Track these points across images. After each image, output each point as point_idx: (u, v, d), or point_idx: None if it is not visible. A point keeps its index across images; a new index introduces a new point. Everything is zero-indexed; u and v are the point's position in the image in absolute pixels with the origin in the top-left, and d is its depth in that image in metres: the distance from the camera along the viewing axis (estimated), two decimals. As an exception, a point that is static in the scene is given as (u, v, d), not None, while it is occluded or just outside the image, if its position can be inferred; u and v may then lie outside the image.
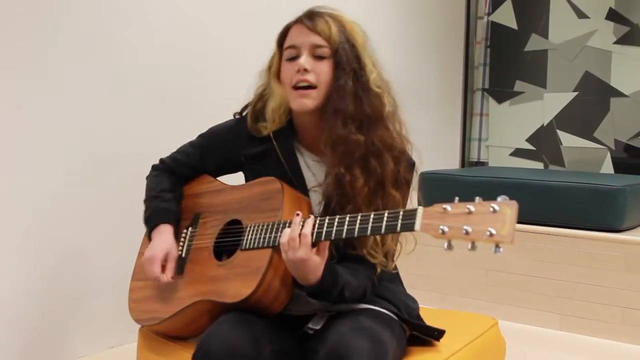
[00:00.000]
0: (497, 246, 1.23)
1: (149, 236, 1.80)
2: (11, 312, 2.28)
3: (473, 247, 1.25)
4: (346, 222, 1.45)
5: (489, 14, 4.67)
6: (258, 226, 1.61)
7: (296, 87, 1.63)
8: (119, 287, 2.03)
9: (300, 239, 1.46)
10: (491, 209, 1.25)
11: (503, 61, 4.63)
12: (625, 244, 3.03)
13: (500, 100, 4.64)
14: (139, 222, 1.93)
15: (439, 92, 4.49)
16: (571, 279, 3.12)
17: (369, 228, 1.42)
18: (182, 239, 1.79)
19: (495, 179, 3.43)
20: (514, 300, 3.25)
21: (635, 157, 4.20)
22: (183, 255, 1.76)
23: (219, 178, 1.87)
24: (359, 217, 1.44)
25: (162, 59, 2.69)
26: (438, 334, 1.73)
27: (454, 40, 4.64)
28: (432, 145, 4.28)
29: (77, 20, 2.40)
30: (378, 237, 1.60)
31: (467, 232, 1.26)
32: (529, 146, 4.54)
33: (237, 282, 1.57)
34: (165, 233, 1.77)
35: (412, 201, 1.75)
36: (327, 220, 1.48)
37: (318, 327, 1.62)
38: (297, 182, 1.69)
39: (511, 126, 4.60)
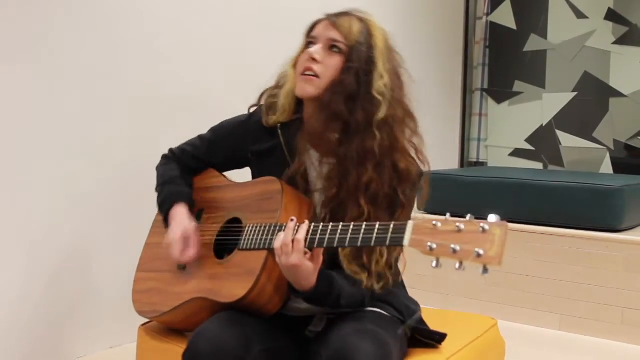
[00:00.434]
0: (484, 268, 1.19)
1: (165, 221, 1.80)
2: (11, 312, 2.28)
3: (461, 267, 1.21)
4: (339, 231, 1.44)
5: (488, 14, 4.67)
6: (256, 227, 1.61)
7: (302, 72, 1.63)
8: (119, 287, 2.03)
9: (294, 244, 1.46)
10: (481, 229, 1.22)
11: (502, 61, 4.63)
12: (624, 244, 3.03)
13: (499, 100, 4.64)
14: (139, 221, 1.93)
15: (438, 92, 4.49)
16: (571, 279, 3.12)
17: (360, 239, 1.40)
18: None
19: (495, 179, 3.43)
20: (514, 301, 3.25)
21: (634, 157, 4.20)
22: None
23: (225, 173, 1.87)
24: (352, 227, 1.43)
25: (163, 58, 2.69)
26: (439, 337, 1.73)
27: (453, 41, 4.64)
28: (431, 146, 4.25)
29: (77, 21, 2.40)
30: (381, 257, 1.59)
31: (454, 251, 1.22)
32: (528, 146, 4.54)
33: (233, 282, 1.58)
34: (180, 214, 1.76)
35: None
36: (320, 227, 1.47)
37: (319, 330, 1.62)
38: (301, 181, 1.69)
39: (510, 126, 4.60)
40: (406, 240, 1.31)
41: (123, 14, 2.55)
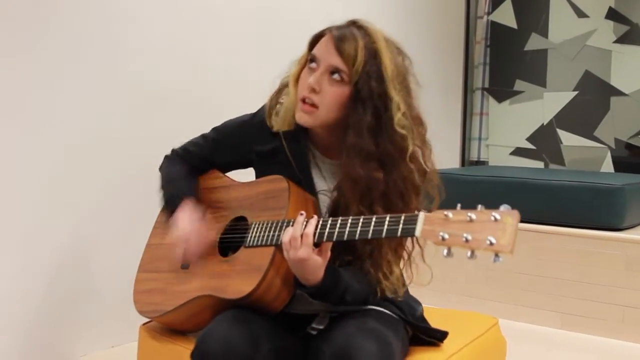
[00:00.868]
0: (496, 255, 1.21)
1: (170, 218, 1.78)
2: (12, 312, 2.28)
3: (472, 256, 1.24)
4: (348, 224, 1.45)
5: (488, 14, 4.67)
6: (263, 224, 1.61)
7: (303, 100, 1.61)
8: (121, 286, 2.03)
9: (302, 238, 1.46)
10: (492, 218, 1.24)
11: (503, 60, 4.63)
12: (625, 243, 3.03)
13: (500, 99, 4.64)
14: (141, 220, 1.93)
15: (439, 91, 4.49)
16: (572, 277, 3.13)
17: (370, 231, 1.41)
18: None
19: (496, 178, 3.43)
20: (515, 299, 3.25)
21: (635, 156, 4.19)
22: None
23: (228, 174, 1.87)
24: (361, 220, 1.44)
25: (163, 59, 2.69)
26: (441, 335, 1.73)
27: (453, 40, 4.64)
28: (432, 145, 4.27)
29: (78, 21, 2.40)
30: (391, 258, 1.60)
31: (467, 240, 1.24)
32: (529, 145, 4.54)
33: (239, 279, 1.58)
34: (186, 212, 1.74)
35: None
36: (330, 221, 1.48)
37: (322, 327, 1.62)
38: (305, 183, 1.68)
39: (511, 125, 4.60)
40: (418, 231, 1.33)
41: (123, 14, 2.55)
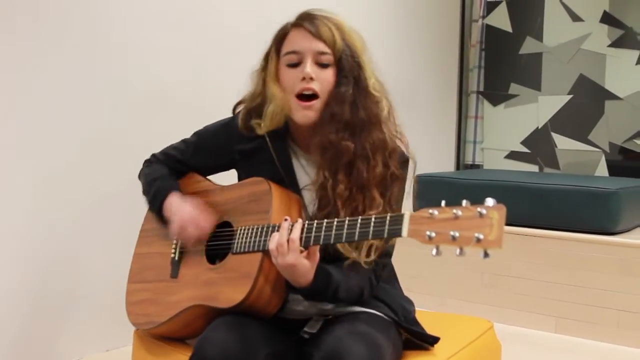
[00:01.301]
0: (485, 252, 1.21)
1: (161, 217, 1.78)
2: (5, 315, 2.27)
3: (461, 253, 1.23)
4: (334, 227, 1.45)
5: (483, 17, 4.67)
6: (248, 229, 1.60)
7: (300, 97, 1.62)
8: (114, 290, 2.03)
9: (289, 244, 1.46)
10: (478, 213, 1.23)
11: (498, 64, 4.63)
12: (620, 247, 3.03)
13: (495, 103, 4.64)
14: (135, 223, 1.92)
15: (433, 94, 4.49)
16: (566, 281, 3.13)
17: (357, 233, 1.41)
18: (175, 242, 1.79)
19: (490, 182, 3.43)
20: (510, 303, 3.25)
21: (629, 159, 4.20)
22: (176, 258, 1.76)
23: (210, 177, 1.86)
24: (347, 222, 1.44)
25: (162, 59, 2.69)
26: (433, 340, 1.73)
27: (448, 43, 4.64)
28: (427, 148, 4.28)
29: (77, 21, 2.40)
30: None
31: (454, 238, 1.24)
32: (523, 149, 4.54)
33: (230, 287, 1.57)
34: (175, 202, 1.74)
35: (407, 205, 1.75)
36: (315, 225, 1.48)
37: (314, 331, 1.62)
38: (288, 180, 1.69)
39: (506, 129, 4.60)
40: (404, 232, 1.32)
41: (121, 15, 2.54)
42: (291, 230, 1.48)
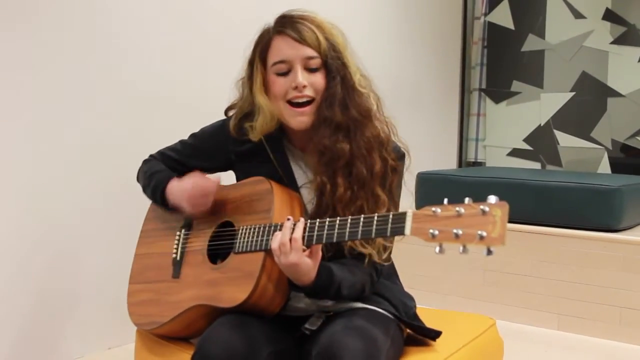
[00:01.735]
0: (488, 249, 1.21)
1: (165, 205, 1.78)
2: (7, 313, 2.27)
3: (465, 250, 1.23)
4: (337, 226, 1.45)
5: (485, 14, 4.67)
6: (250, 229, 1.60)
7: (292, 103, 1.63)
8: (116, 288, 2.03)
9: (291, 243, 1.47)
10: (481, 211, 1.23)
11: (500, 61, 4.63)
12: (622, 244, 3.03)
13: (497, 100, 4.64)
14: (137, 221, 1.92)
15: (436, 92, 4.49)
16: (569, 279, 3.12)
17: (359, 232, 1.42)
18: (176, 242, 1.79)
19: (493, 179, 3.43)
20: (512, 300, 3.25)
21: (632, 157, 4.20)
22: (178, 258, 1.76)
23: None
24: (349, 221, 1.44)
25: (161, 60, 2.69)
26: (435, 334, 1.73)
27: (451, 41, 4.64)
28: (429, 146, 4.28)
29: (77, 21, 2.40)
30: None
31: (457, 236, 1.24)
32: (526, 146, 4.54)
33: (232, 286, 1.57)
34: (175, 186, 1.74)
35: (409, 202, 1.75)
36: (317, 224, 1.48)
37: (314, 328, 1.62)
38: (287, 180, 1.69)
39: (508, 126, 4.60)
40: (407, 230, 1.32)
41: (120, 15, 2.55)
42: (293, 229, 1.48)
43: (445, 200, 1.30)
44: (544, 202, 3.28)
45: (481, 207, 1.23)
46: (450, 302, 3.35)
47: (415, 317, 1.75)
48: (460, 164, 4.78)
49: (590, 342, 3.00)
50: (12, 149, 2.26)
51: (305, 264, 1.47)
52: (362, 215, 1.43)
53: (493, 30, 4.65)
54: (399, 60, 4.05)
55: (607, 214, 3.15)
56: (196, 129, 1.87)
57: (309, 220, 1.49)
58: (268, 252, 1.53)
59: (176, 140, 1.90)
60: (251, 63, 1.71)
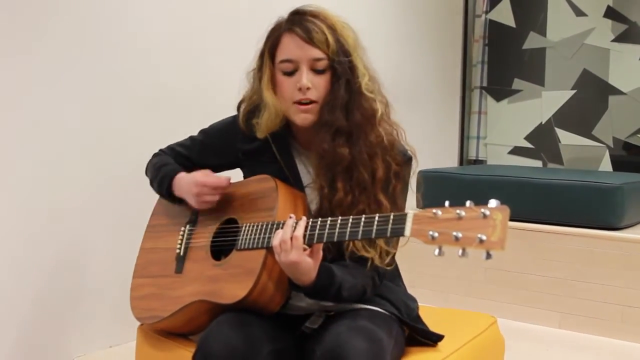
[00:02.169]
0: (487, 253, 1.20)
1: (171, 197, 1.79)
2: (9, 311, 2.27)
3: (464, 254, 1.23)
4: (338, 225, 1.45)
5: (486, 12, 4.66)
6: (253, 226, 1.61)
7: (297, 102, 1.62)
8: (118, 286, 2.03)
9: (292, 241, 1.46)
10: (482, 214, 1.22)
11: (501, 59, 4.63)
12: (624, 242, 3.03)
13: (498, 98, 4.63)
14: (138, 220, 1.93)
15: (437, 90, 4.48)
16: (570, 277, 3.12)
17: (360, 232, 1.41)
18: (181, 237, 1.79)
19: (494, 177, 3.43)
20: (513, 299, 3.25)
21: (633, 154, 4.19)
22: (182, 253, 1.76)
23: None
24: (350, 221, 1.44)
25: (161, 58, 2.69)
26: (437, 338, 1.73)
27: (451, 38, 4.64)
28: (430, 144, 4.28)
29: (76, 21, 2.40)
30: None
31: (457, 239, 1.23)
32: (527, 144, 4.54)
33: (233, 283, 1.58)
34: (182, 179, 1.75)
35: (410, 201, 1.75)
36: (319, 223, 1.48)
37: (315, 327, 1.62)
38: (292, 179, 1.69)
39: (509, 124, 4.59)
40: (407, 231, 1.32)
41: (120, 13, 2.54)
42: (295, 227, 1.48)
43: (447, 203, 1.29)
44: (545, 200, 3.28)
45: (482, 210, 1.23)
46: (452, 300, 3.35)
47: (418, 318, 1.74)
48: (461, 162, 4.78)
49: (591, 340, 3.00)
50: (13, 146, 2.25)
51: (305, 262, 1.47)
52: (364, 216, 1.42)
53: (494, 28, 4.64)
54: (399, 58, 4.05)
55: (609, 212, 3.14)
56: (198, 127, 1.87)
57: (310, 219, 1.49)
58: (269, 249, 1.53)
59: (180, 137, 1.90)
60: (262, 55, 1.70)
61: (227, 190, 1.74)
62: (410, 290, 1.82)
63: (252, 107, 1.73)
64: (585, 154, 4.32)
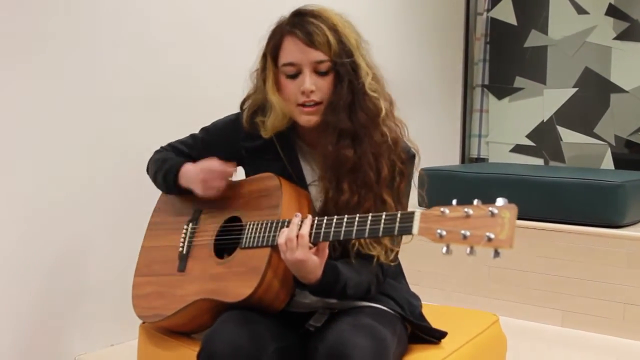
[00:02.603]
0: (496, 251, 1.20)
1: (178, 188, 1.79)
2: (10, 310, 2.27)
3: (472, 252, 1.23)
4: (344, 224, 1.45)
5: (488, 10, 4.66)
6: (257, 224, 1.60)
7: (301, 104, 1.62)
8: (119, 284, 2.03)
9: (298, 239, 1.46)
10: (489, 213, 1.23)
11: (503, 57, 4.62)
12: (626, 240, 3.02)
13: (500, 96, 4.63)
14: (138, 219, 1.92)
15: (438, 88, 4.48)
16: (572, 275, 3.12)
17: (367, 230, 1.41)
18: (184, 235, 1.79)
19: (496, 175, 3.42)
20: (515, 297, 3.24)
21: (635, 152, 4.19)
22: (184, 252, 1.76)
23: None
24: (357, 219, 1.43)
25: (161, 58, 2.68)
26: (440, 335, 1.72)
27: (453, 37, 4.63)
28: (432, 142, 4.27)
29: (75, 21, 2.40)
30: None
31: (465, 237, 1.23)
32: (529, 142, 4.53)
33: (237, 281, 1.57)
34: (187, 170, 1.75)
35: (412, 198, 1.75)
36: (325, 221, 1.47)
37: (319, 324, 1.62)
38: (296, 176, 1.69)
39: (511, 122, 4.59)
40: (415, 229, 1.32)
41: (120, 12, 2.54)
42: (301, 226, 1.47)
43: (454, 202, 1.29)
44: (546, 198, 3.27)
45: (490, 208, 1.23)
46: (454, 298, 3.35)
47: (421, 316, 1.74)
48: (462, 160, 4.78)
49: (594, 338, 2.99)
50: (12, 145, 2.25)
51: (311, 261, 1.46)
52: (370, 214, 1.42)
53: (496, 26, 4.64)
54: (401, 56, 4.05)
55: (611, 209, 3.14)
56: (198, 126, 1.87)
57: (316, 218, 1.49)
58: (274, 247, 1.53)
59: (180, 137, 1.90)
60: (264, 57, 1.69)
61: (230, 188, 1.74)
62: (413, 289, 1.82)
63: (256, 106, 1.73)
64: (587, 152, 4.32)
